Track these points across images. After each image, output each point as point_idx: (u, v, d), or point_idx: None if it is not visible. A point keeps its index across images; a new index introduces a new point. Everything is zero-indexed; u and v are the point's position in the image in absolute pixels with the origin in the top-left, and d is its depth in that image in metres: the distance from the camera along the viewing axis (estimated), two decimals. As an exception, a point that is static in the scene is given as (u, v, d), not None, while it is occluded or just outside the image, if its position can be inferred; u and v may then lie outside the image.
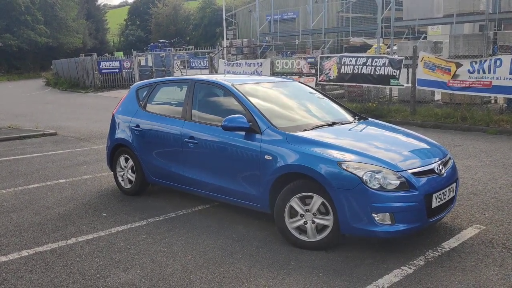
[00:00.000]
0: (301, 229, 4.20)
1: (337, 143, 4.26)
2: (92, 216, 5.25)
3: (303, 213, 4.15)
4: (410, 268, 3.79)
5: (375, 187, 3.84)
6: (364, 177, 3.85)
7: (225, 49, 19.97)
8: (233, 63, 17.10)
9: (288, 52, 27.94)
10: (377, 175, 3.87)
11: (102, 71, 26.95)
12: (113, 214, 5.30)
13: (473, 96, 11.59)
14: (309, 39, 28.40)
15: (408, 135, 4.98)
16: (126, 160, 5.95)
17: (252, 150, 4.51)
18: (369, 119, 5.50)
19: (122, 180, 6.04)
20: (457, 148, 8.55)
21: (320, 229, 4.13)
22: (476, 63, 10.76)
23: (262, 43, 27.83)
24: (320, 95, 5.80)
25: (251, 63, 16.36)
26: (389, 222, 3.86)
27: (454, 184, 4.40)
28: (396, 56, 12.87)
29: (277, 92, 5.47)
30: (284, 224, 4.24)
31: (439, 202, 4.10)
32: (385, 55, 13.88)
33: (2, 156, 8.81)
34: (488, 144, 8.81)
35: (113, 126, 6.16)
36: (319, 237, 4.13)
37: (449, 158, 4.61)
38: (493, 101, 13.16)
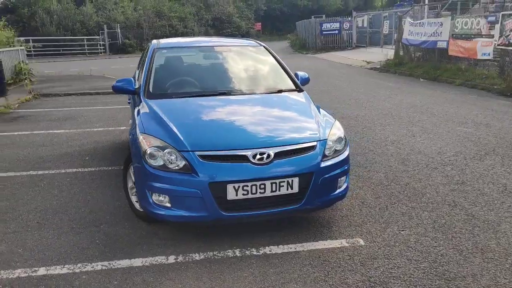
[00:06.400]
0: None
1: (171, 115, 3.85)
2: None
3: (137, 183, 4.04)
4: (167, 260, 3.35)
5: (156, 165, 3.44)
6: (148, 151, 3.49)
7: (426, 6, 17.27)
8: (416, 23, 15.20)
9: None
10: (164, 152, 3.44)
11: (323, 32, 27.55)
12: (15, 161, 5.86)
13: None
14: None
15: (290, 116, 4.15)
16: None
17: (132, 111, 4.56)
18: (296, 93, 4.59)
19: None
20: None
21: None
22: None
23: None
24: (276, 65, 5.05)
25: (432, 23, 14.25)
26: (168, 205, 3.44)
27: (292, 179, 3.41)
28: None
29: (209, 58, 5.14)
30: (127, 190, 4.20)
31: (244, 194, 3.35)
32: None
33: (69, 106, 10.52)
34: None
35: None
36: (146, 208, 3.97)
37: (311, 147, 3.56)
38: None
